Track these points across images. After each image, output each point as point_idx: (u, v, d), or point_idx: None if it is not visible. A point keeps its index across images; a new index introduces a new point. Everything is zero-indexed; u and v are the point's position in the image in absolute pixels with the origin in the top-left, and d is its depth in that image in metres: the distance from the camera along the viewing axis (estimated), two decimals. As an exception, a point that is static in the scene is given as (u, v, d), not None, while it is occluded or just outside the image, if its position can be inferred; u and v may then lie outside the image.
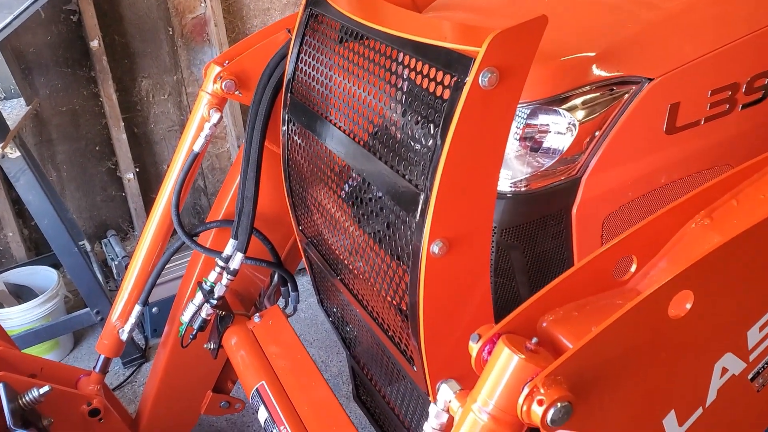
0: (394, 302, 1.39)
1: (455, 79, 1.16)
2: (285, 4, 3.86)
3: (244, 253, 2.03)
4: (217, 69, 2.02)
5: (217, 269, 2.07)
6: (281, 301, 2.31)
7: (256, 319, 2.13)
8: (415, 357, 1.37)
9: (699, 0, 1.42)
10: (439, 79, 1.20)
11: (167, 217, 2.13)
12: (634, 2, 1.48)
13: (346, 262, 1.57)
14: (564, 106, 1.36)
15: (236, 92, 2.02)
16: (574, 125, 1.35)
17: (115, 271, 3.40)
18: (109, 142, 3.70)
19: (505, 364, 0.90)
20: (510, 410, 0.89)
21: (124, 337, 2.16)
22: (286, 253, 2.30)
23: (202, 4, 3.60)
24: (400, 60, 1.29)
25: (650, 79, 1.34)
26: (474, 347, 0.94)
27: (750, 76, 1.41)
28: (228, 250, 2.06)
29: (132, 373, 3.16)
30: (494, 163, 1.21)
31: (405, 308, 1.34)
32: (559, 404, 0.85)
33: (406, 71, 1.28)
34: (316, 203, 1.70)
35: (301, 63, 1.70)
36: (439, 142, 1.17)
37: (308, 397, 1.84)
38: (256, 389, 1.88)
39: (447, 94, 1.18)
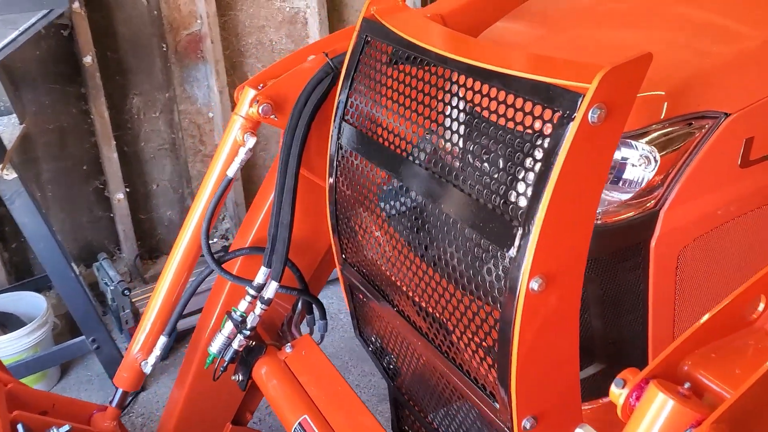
0: (475, 339, 1.36)
1: (559, 114, 1.15)
2: (280, 22, 3.82)
3: (279, 281, 1.98)
4: (252, 92, 1.97)
5: (248, 298, 2.01)
6: (305, 328, 2.26)
7: (287, 349, 2.07)
8: (497, 393, 1.34)
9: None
10: (538, 114, 1.19)
11: (195, 244, 2.06)
12: (702, 37, 1.50)
13: (414, 296, 1.53)
14: (644, 140, 1.36)
15: (272, 116, 1.97)
16: (655, 159, 1.36)
17: (110, 296, 3.27)
18: (97, 161, 3.58)
19: (659, 409, 0.88)
20: (667, 458, 0.88)
21: (147, 369, 2.08)
22: (309, 280, 2.25)
23: (198, 21, 3.53)
24: (489, 93, 1.28)
25: (728, 114, 1.36)
26: (621, 393, 0.92)
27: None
28: (260, 278, 2.00)
29: (128, 403, 3.04)
30: (594, 196, 1.21)
31: (490, 344, 1.31)
32: (726, 452, 0.84)
33: (495, 104, 1.26)
34: (370, 233, 1.66)
35: (356, 90, 1.67)
36: (542, 177, 1.16)
37: (355, 429, 1.79)
38: (299, 424, 1.82)
39: (548, 129, 1.17)
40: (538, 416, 1.33)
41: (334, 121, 1.74)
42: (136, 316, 3.22)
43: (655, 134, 1.36)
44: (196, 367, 2.17)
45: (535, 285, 1.19)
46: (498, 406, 1.36)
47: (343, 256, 1.86)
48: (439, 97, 1.42)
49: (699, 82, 1.37)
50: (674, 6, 1.66)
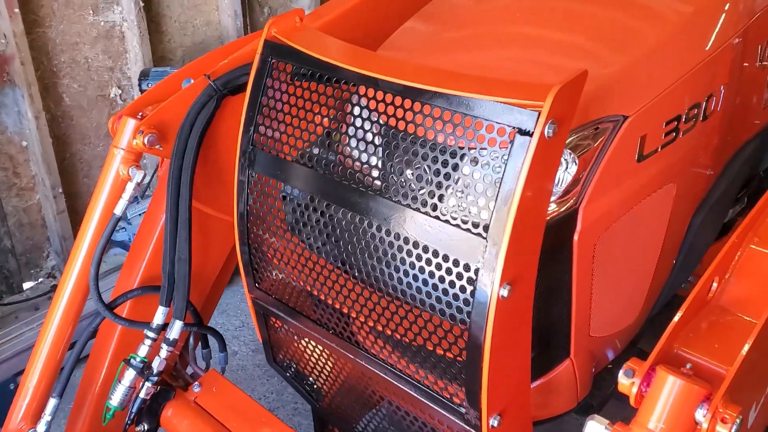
0: (437, 351, 1.41)
1: (515, 131, 1.22)
2: (95, 38, 3.55)
3: (183, 319, 1.88)
4: (133, 122, 1.84)
5: (148, 342, 1.89)
6: (202, 363, 2.15)
7: (195, 388, 1.97)
8: (463, 398, 1.40)
9: (653, 46, 1.65)
10: (492, 132, 1.26)
11: (80, 292, 1.88)
12: (599, 47, 1.66)
13: (360, 318, 1.54)
14: (567, 145, 1.49)
15: (157, 146, 1.85)
16: (574, 161, 1.49)
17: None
18: None
19: (670, 391, 0.99)
20: (684, 429, 0.99)
21: (39, 438, 1.86)
22: (200, 311, 2.15)
23: (2, 41, 3.16)
24: (431, 113, 1.32)
25: (626, 117, 1.52)
26: (632, 381, 1.02)
27: (687, 107, 1.67)
28: (158, 319, 1.89)
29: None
30: (546, 202, 1.30)
31: (456, 352, 1.37)
32: (738, 419, 0.97)
33: (448, 127, 1.31)
34: (295, 258, 1.64)
35: (266, 115, 1.63)
36: (506, 190, 1.23)
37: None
38: (231, 463, 1.75)
39: (504, 145, 1.24)
40: (502, 412, 1.41)
41: (242, 147, 1.68)
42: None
43: (573, 137, 1.49)
44: (89, 427, 1.98)
45: (504, 292, 1.27)
46: (464, 410, 1.42)
47: (256, 284, 1.81)
48: (375, 119, 1.44)
49: (602, 89, 1.52)
50: (562, 16, 1.81)
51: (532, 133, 1.20)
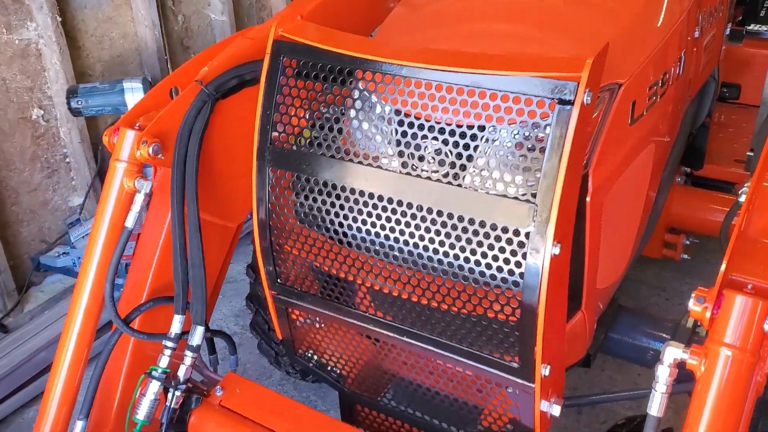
0: (488, 314, 1.51)
1: (555, 102, 1.35)
2: (11, 57, 3.40)
3: (204, 324, 1.88)
4: (133, 133, 1.82)
5: (167, 352, 1.88)
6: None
7: (218, 392, 1.97)
8: (517, 354, 1.52)
9: (638, 16, 1.82)
10: (531, 105, 1.38)
11: (94, 308, 1.84)
12: (591, 19, 1.81)
13: (404, 295, 1.61)
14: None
15: (160, 155, 1.84)
16: (584, 128, 1.64)
17: None
18: None
19: (741, 309, 1.15)
20: (754, 342, 1.15)
21: (67, 465, 1.81)
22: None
23: None
24: (477, 95, 1.43)
25: (620, 84, 1.69)
26: (704, 306, 1.17)
27: (662, 73, 1.86)
28: (175, 328, 1.88)
29: None
30: (581, 163, 1.44)
31: (509, 312, 1.48)
32: (801, 325, 1.13)
33: (485, 106, 1.42)
34: (328, 249, 1.69)
35: (285, 113, 1.67)
36: (552, 157, 1.35)
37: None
38: (275, 457, 1.78)
39: (545, 116, 1.37)
40: (550, 362, 1.54)
41: (259, 146, 1.72)
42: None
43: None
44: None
45: (556, 250, 1.39)
46: (516, 364, 1.54)
47: (278, 280, 1.84)
48: (416, 107, 1.51)
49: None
50: None
51: (573, 101, 1.33)
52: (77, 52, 3.72)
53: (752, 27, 3.28)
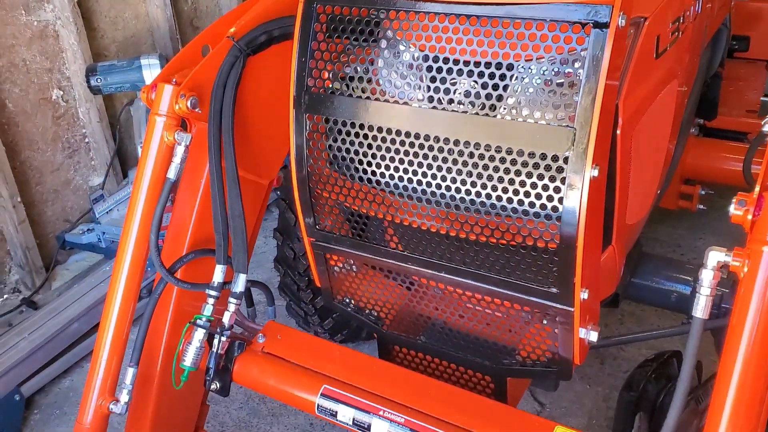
0: (528, 241, 1.57)
1: (591, 26, 1.40)
2: (30, 39, 3.45)
3: (246, 272, 1.94)
4: (171, 88, 1.87)
5: (211, 301, 1.93)
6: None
7: (260, 339, 2.03)
8: (557, 279, 1.57)
9: None
10: (567, 31, 1.43)
11: (139, 261, 1.89)
12: None
13: (450, 232, 1.66)
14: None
15: (197, 109, 1.89)
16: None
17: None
18: None
19: (780, 208, 1.20)
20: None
21: (120, 410, 1.87)
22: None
23: (-58, 48, 3.03)
24: (512, 25, 1.47)
25: (645, 18, 1.73)
26: (745, 209, 1.23)
27: (682, 10, 1.91)
28: (218, 277, 1.93)
29: None
30: (616, 87, 1.49)
31: (549, 238, 1.53)
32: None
33: (526, 34, 1.47)
34: (365, 190, 1.74)
35: (321, 59, 1.72)
36: (589, 80, 1.40)
37: (374, 378, 1.85)
38: (322, 395, 1.83)
39: (581, 41, 1.42)
40: (588, 286, 1.59)
41: (296, 94, 1.76)
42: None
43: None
44: (159, 393, 2.00)
45: (595, 172, 1.45)
46: (556, 289, 1.59)
47: (317, 227, 1.90)
48: (453, 43, 1.56)
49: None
50: None
51: (609, 24, 1.38)
52: (92, 33, 3.77)
53: None
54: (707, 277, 1.31)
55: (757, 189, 1.25)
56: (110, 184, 3.90)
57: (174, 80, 1.91)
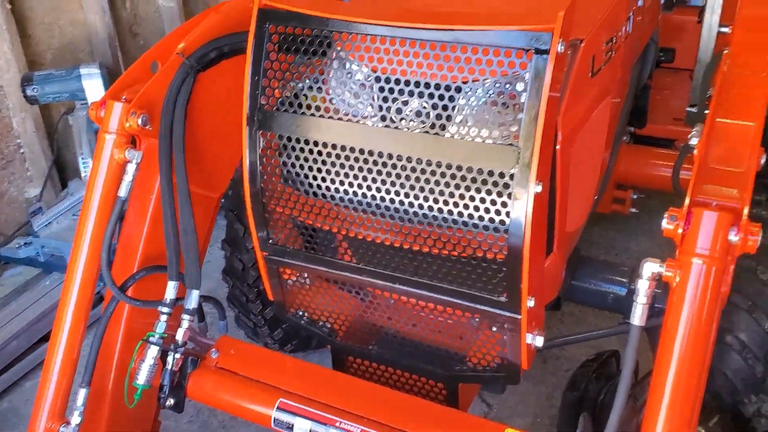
0: (477, 253, 1.64)
1: (531, 52, 1.48)
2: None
3: (199, 287, 1.95)
4: (120, 105, 1.87)
5: (164, 318, 1.94)
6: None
7: (213, 355, 2.04)
8: (504, 288, 1.65)
9: None
10: (510, 56, 1.50)
11: (90, 280, 1.89)
12: None
13: (395, 243, 1.72)
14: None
15: (148, 126, 1.90)
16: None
17: None
18: None
19: (709, 222, 1.31)
20: (721, 251, 1.30)
21: None
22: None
23: None
24: (458, 50, 1.54)
25: (581, 40, 1.83)
26: (676, 224, 1.33)
27: (616, 31, 2.02)
28: (170, 294, 1.94)
29: None
30: (556, 108, 1.57)
31: (497, 249, 1.61)
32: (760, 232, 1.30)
33: (467, 59, 1.54)
34: (318, 205, 1.78)
35: (274, 77, 1.75)
36: (532, 102, 1.48)
37: (329, 390, 1.89)
38: (279, 408, 1.86)
39: (524, 66, 1.50)
40: (534, 295, 1.68)
41: (249, 111, 1.79)
42: None
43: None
44: (112, 411, 2.00)
45: (538, 188, 1.53)
46: (504, 298, 1.67)
47: (269, 241, 1.93)
48: (400, 66, 1.62)
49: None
50: None
51: (549, 50, 1.46)
52: (27, 40, 3.69)
53: None
54: (643, 287, 1.41)
55: (686, 204, 1.35)
56: (48, 195, 3.82)
57: (124, 97, 1.92)
